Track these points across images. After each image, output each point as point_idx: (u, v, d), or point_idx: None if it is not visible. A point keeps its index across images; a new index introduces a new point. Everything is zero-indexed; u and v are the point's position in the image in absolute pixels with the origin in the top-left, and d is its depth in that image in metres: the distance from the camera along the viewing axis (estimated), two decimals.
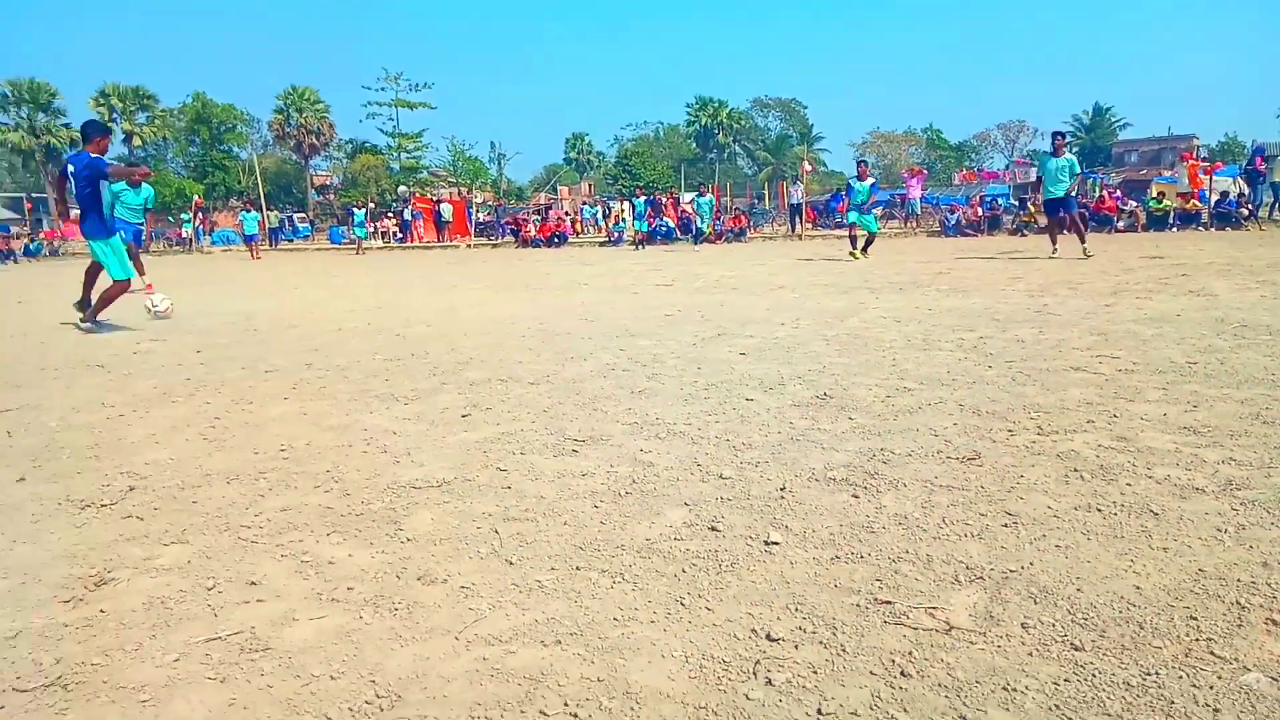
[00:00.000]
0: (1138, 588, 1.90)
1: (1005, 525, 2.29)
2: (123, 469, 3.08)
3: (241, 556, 2.25)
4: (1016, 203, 26.76)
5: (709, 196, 23.49)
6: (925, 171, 31.41)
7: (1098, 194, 24.69)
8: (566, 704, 1.53)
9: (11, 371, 5.21)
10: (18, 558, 2.29)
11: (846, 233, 15.64)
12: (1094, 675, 1.57)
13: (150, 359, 5.64)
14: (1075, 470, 2.70)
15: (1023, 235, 21.47)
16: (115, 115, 53.78)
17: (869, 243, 15.17)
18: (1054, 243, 12.89)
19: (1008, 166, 56.64)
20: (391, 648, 1.75)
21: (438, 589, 2.02)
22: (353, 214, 31.65)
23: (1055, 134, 13.00)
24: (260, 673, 1.67)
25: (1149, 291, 7.45)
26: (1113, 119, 72.73)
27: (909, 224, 27.11)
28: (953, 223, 23.63)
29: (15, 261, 32.73)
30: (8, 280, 18.90)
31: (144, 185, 12.11)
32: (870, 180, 14.84)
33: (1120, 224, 21.37)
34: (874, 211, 15.58)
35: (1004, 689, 1.54)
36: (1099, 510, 2.37)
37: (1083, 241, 12.44)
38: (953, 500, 2.49)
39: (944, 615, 1.81)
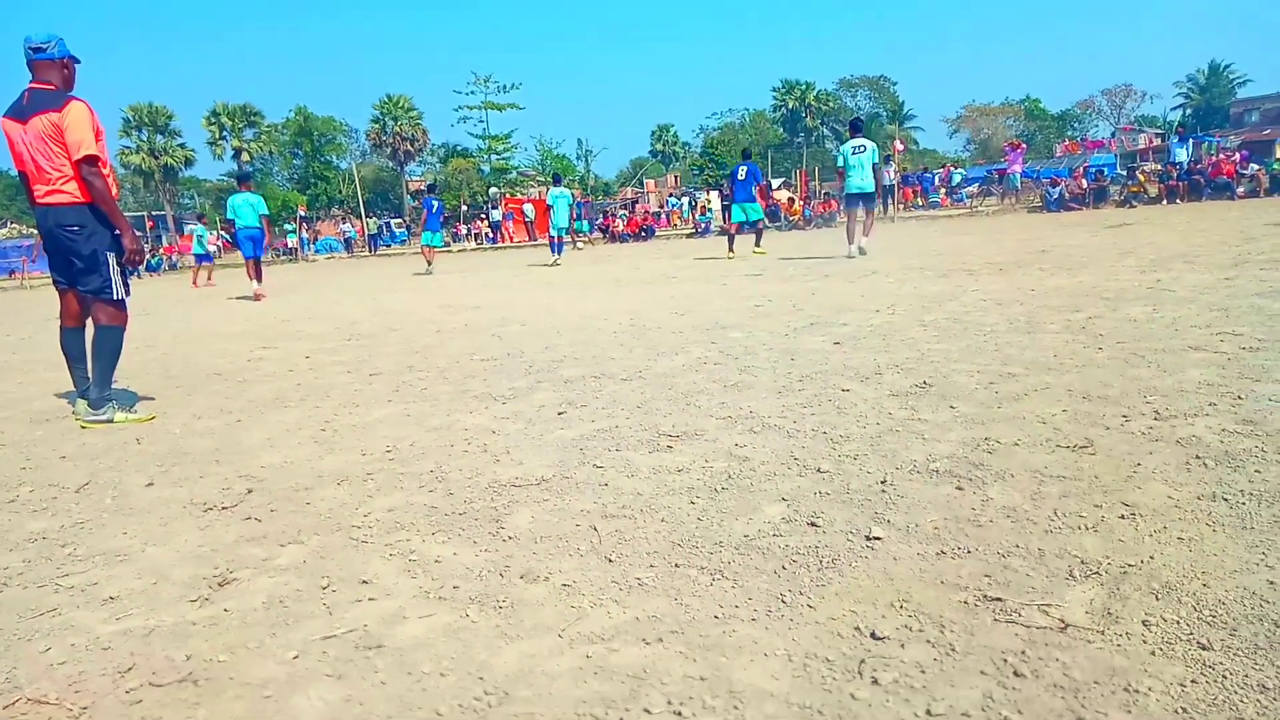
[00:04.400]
0: (1271, 583, 1.78)
1: (1122, 517, 2.18)
2: (241, 472, 3.25)
3: (353, 556, 2.34)
4: (1124, 172, 25.45)
5: (563, 189, 18.25)
6: (1025, 145, 30.13)
7: (1215, 157, 23.26)
8: (670, 702, 1.54)
9: (138, 381, 5.56)
10: (149, 559, 2.44)
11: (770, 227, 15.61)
12: (1224, 677, 1.48)
13: (263, 366, 5.93)
14: (1197, 457, 2.56)
15: (1131, 206, 20.42)
16: (225, 133, 56.62)
17: (759, 234, 14.82)
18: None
19: (1114, 134, 53.81)
20: (498, 645, 1.80)
21: (540, 587, 2.06)
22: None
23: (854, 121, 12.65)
24: (374, 670, 1.74)
25: (1274, 262, 6.97)
26: (1230, 77, 68.18)
27: (1008, 200, 26.10)
28: (1055, 197, 22.63)
29: (139, 276, 34.84)
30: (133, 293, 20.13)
31: (254, 194, 13.30)
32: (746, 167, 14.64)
33: (1241, 189, 20.07)
34: (754, 196, 14.88)
35: (1125, 690, 1.47)
36: (1225, 499, 2.23)
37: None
38: (1064, 491, 2.39)
39: (1058, 613, 1.74)
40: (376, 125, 57.07)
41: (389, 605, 2.03)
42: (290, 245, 38.94)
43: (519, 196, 43.30)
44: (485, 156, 50.82)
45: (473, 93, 48.29)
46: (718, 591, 1.97)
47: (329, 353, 6.33)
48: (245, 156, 57.65)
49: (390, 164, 60.06)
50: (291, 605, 2.06)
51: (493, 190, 45.76)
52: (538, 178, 52.40)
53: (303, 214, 40.60)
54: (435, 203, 17.77)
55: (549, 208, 18.33)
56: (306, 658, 1.80)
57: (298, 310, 10.38)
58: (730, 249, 14.47)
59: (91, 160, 4.13)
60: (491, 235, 36.54)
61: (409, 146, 57.20)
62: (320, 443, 3.63)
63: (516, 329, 6.86)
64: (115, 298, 4.36)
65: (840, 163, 12.16)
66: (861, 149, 11.83)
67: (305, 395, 4.71)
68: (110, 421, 4.29)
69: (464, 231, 38.90)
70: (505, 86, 47.99)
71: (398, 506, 2.73)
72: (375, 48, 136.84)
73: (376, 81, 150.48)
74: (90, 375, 4.41)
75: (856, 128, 12.39)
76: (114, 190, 4.31)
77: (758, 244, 14.62)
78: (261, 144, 58.75)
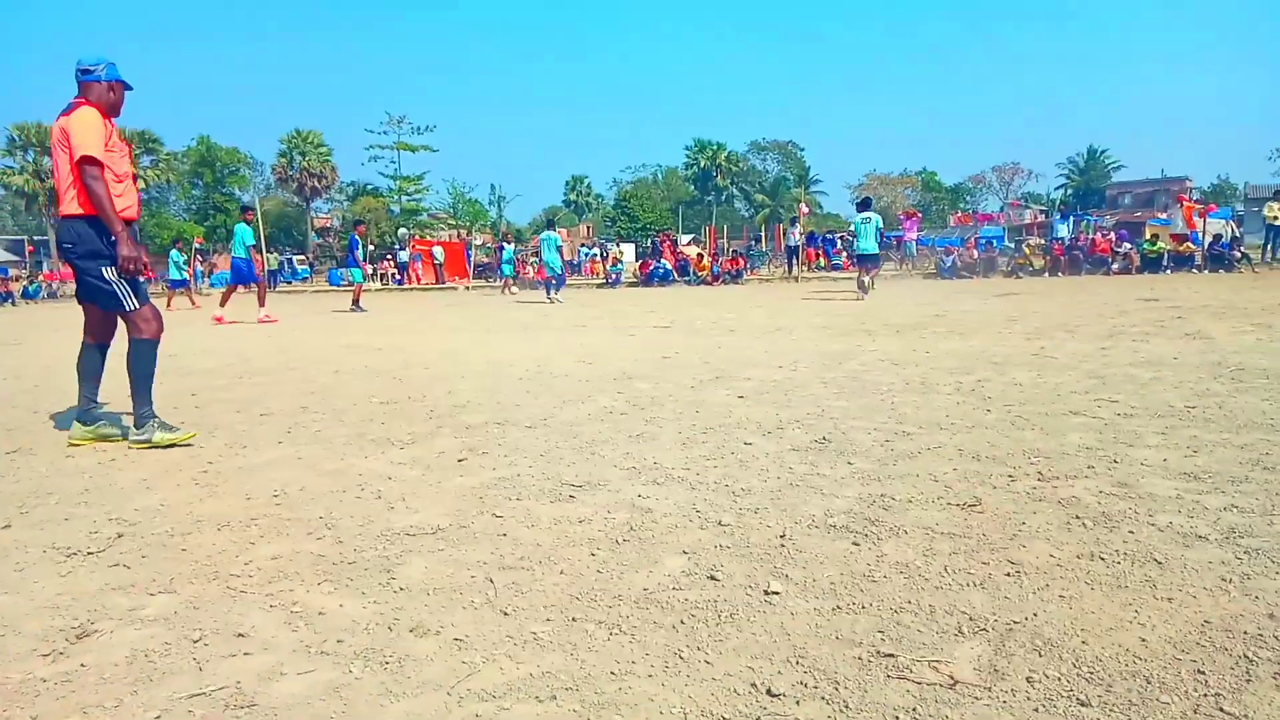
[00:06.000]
0: (1143, 640, 1.86)
1: (1008, 574, 2.25)
2: (112, 515, 3.04)
3: (230, 607, 2.21)
4: (1012, 245, 26.97)
5: (553, 233, 19.05)
6: (920, 214, 31.68)
7: (1091, 236, 24.93)
8: None
9: (4, 415, 5.18)
10: None
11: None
12: None
13: None
14: (1077, 517, 2.67)
15: (1018, 277, 21.60)
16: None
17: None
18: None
19: (1002, 209, 57.18)
20: (382, 704, 1.71)
21: (430, 641, 1.98)
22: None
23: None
24: None
25: (1145, 334, 7.46)
26: (1107, 161, 73.66)
27: (904, 266, 27.27)
28: (948, 265, 23.79)
29: (13, 304, 32.72)
30: (4, 322, 18.89)
31: (245, 226, 14.21)
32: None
33: (1115, 266, 21.52)
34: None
35: None
36: (1102, 559, 2.33)
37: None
38: (954, 548, 2.45)
39: (948, 669, 1.77)
40: (283, 159, 55.74)
41: (266, 660, 1.91)
42: (180, 278, 37.24)
43: (429, 239, 42.83)
44: (395, 197, 50.22)
45: (386, 132, 47.86)
46: (615, 646, 1.93)
47: (218, 390, 6.04)
48: (141, 184, 55.33)
49: (296, 199, 58.59)
50: (157, 660, 1.92)
51: (402, 231, 45.11)
52: (448, 220, 52.02)
53: (199, 246, 39.01)
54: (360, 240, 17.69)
55: (536, 251, 18.99)
56: (169, 717, 1.67)
57: (187, 345, 9.90)
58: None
59: (89, 161, 3.95)
60: (399, 276, 35.93)
61: (316, 183, 55.97)
62: (201, 485, 3.44)
63: (420, 372, 6.71)
64: (130, 308, 4.15)
65: (853, 229, 15.40)
66: (867, 220, 14.75)
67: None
68: (149, 442, 4.10)
69: (370, 271, 38.09)
70: (419, 128, 47.78)
71: (282, 554, 2.59)
72: (286, 81, 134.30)
73: (285, 115, 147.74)
74: (130, 394, 4.23)
75: (865, 205, 15.48)
76: (130, 205, 4.18)
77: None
78: (159, 172, 56.47)
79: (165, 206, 61.17)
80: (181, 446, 4.13)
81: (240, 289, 14.78)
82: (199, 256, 37.63)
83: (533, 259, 28.85)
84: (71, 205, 4.03)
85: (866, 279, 14.87)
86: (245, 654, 1.94)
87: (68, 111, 4.04)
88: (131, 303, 4.14)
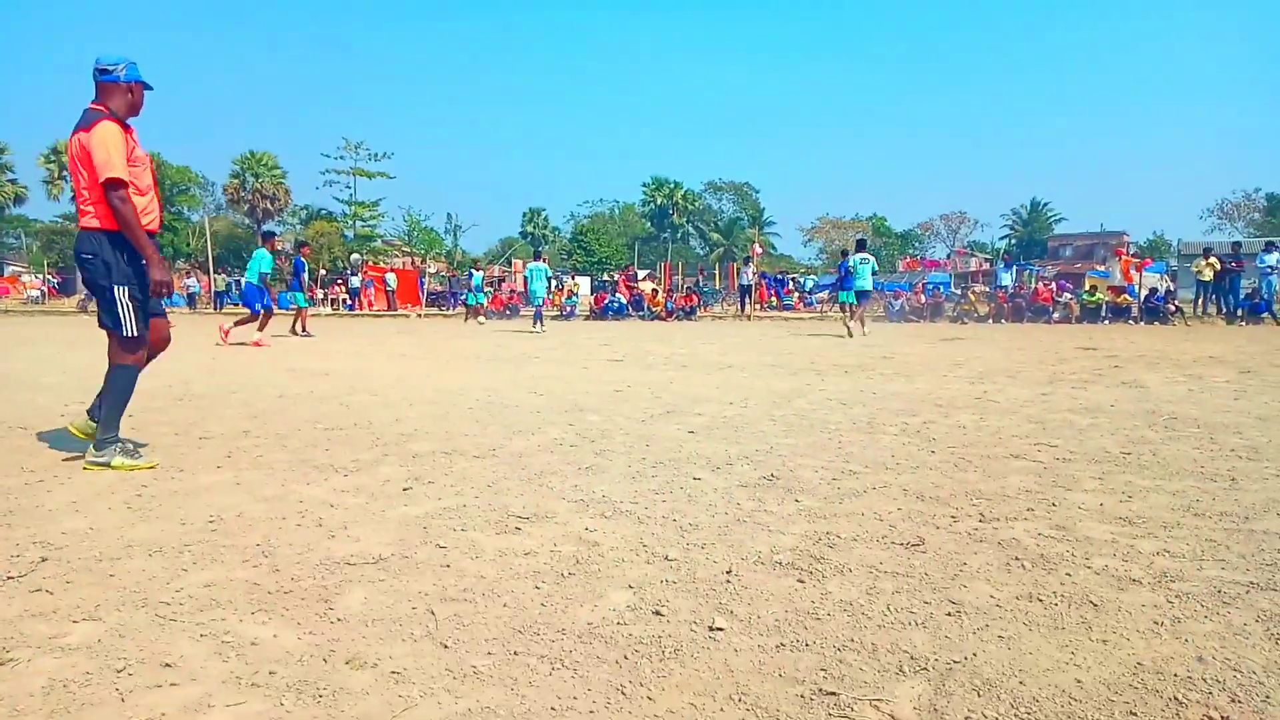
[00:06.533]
0: (1079, 681, 1.89)
1: (949, 614, 2.28)
2: (36, 538, 2.92)
3: (158, 635, 2.13)
4: (958, 291, 27.65)
5: (541, 264, 19.87)
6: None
7: (1033, 285, 25.67)
8: None
9: None
10: None
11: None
12: None
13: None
14: (1016, 559, 2.72)
15: (963, 323, 22.13)
16: (65, 173, 52.97)
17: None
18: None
19: (949, 255, 58.71)
20: None
21: (366, 674, 1.93)
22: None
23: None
24: None
25: (1084, 382, 7.68)
26: (1049, 214, 76.25)
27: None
28: (896, 308, 24.28)
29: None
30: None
31: (263, 252, 14.19)
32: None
33: (1056, 315, 22.17)
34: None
35: None
36: (1040, 600, 2.37)
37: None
38: (897, 587, 2.47)
39: (888, 708, 1.78)
40: (236, 180, 54.96)
41: (193, 692, 1.84)
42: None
43: (381, 265, 42.44)
44: (350, 222, 49.72)
45: (342, 157, 47.41)
46: (556, 681, 1.90)
47: (156, 412, 5.87)
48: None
49: (247, 221, 57.69)
50: (77, 690, 1.84)
51: (354, 256, 44.62)
52: (403, 247, 51.61)
53: None
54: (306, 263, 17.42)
55: (525, 280, 19.56)
56: None
57: None
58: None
59: (115, 184, 3.82)
60: (350, 301, 35.49)
61: (269, 205, 55.27)
62: (134, 509, 3.33)
63: (366, 398, 6.61)
64: (125, 335, 4.01)
65: (850, 267, 16.13)
66: (865, 260, 15.95)
67: None
68: (108, 465, 3.95)
69: (320, 295, 37.59)
70: (377, 155, 47.45)
71: (216, 582, 2.51)
72: (241, 102, 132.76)
73: (239, 137, 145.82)
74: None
75: (861, 245, 16.80)
76: (153, 218, 4.09)
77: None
78: None
79: None
80: (147, 471, 4.00)
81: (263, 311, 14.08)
82: None
83: (487, 289, 28.72)
84: (92, 220, 3.93)
85: (856, 319, 16.17)
86: (171, 685, 1.87)
87: (86, 127, 3.90)
88: (131, 329, 4.02)
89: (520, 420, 5.53)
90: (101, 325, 4.11)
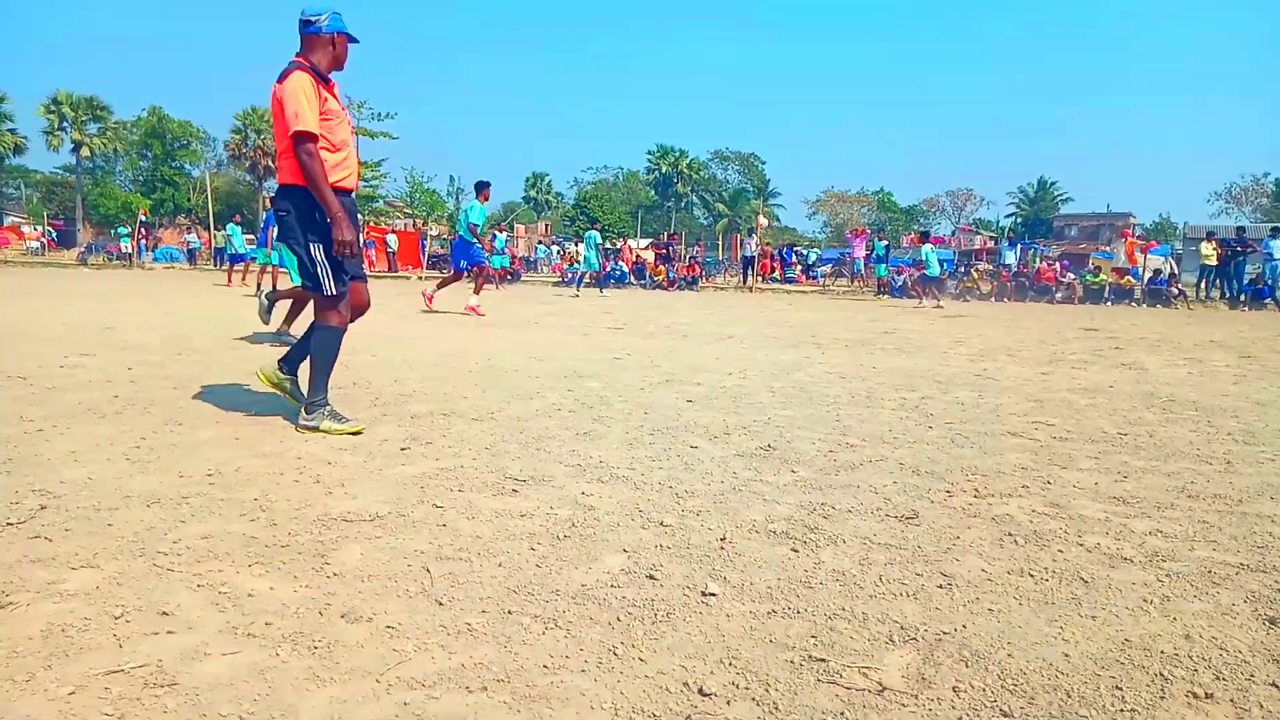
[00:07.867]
0: (1066, 655, 1.91)
1: (940, 586, 2.29)
2: (35, 487, 2.94)
3: (155, 585, 2.14)
4: (961, 268, 27.55)
5: (594, 232, 21.50)
6: (868, 231, 32.09)
7: (1037, 264, 25.57)
8: None
9: None
10: None
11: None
12: None
13: (78, 374, 5.43)
14: (1010, 535, 2.74)
15: (966, 300, 22.07)
16: (66, 124, 52.63)
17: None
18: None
19: (954, 233, 58.43)
20: (307, 688, 1.68)
21: (361, 628, 1.95)
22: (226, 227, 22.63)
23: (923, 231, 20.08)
24: (163, 710, 1.58)
25: (1084, 362, 7.68)
26: (1056, 193, 75.73)
27: (858, 282, 27.66)
28: (899, 284, 24.19)
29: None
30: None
31: (473, 204, 12.55)
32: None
33: (1059, 295, 22.11)
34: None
35: None
36: (1031, 575, 2.39)
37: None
38: (890, 559, 2.49)
39: (877, 675, 1.80)
40: (238, 136, 54.49)
41: (190, 639, 1.86)
42: (125, 250, 36.27)
43: (383, 226, 42.22)
44: None
45: None
46: (550, 641, 1.92)
47: (155, 366, 5.88)
48: (85, 152, 53.65)
49: (248, 177, 57.32)
50: (75, 635, 1.86)
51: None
52: (405, 209, 51.32)
53: (144, 219, 37.91)
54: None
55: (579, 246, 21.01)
56: (84, 694, 1.62)
57: (126, 318, 9.62)
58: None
59: (304, 136, 3.73)
60: None
61: (270, 162, 54.84)
62: (133, 460, 3.34)
63: (366, 359, 6.61)
64: (326, 293, 3.95)
65: (922, 258, 19.70)
66: (932, 249, 19.71)
67: (122, 408, 4.34)
68: (317, 429, 3.90)
69: None
70: (380, 114, 47.01)
71: (213, 534, 2.53)
72: (244, 56, 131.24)
73: (242, 91, 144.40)
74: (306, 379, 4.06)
75: (926, 237, 22.79)
76: (348, 174, 3.98)
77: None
78: (106, 140, 54.83)
79: (111, 177, 59.41)
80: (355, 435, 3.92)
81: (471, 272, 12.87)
82: (144, 230, 36.61)
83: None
84: (287, 175, 3.87)
85: (933, 296, 19.49)
86: (169, 632, 1.89)
87: (282, 77, 3.80)
88: (329, 288, 3.95)
89: (520, 385, 5.53)
90: (300, 287, 3.99)
